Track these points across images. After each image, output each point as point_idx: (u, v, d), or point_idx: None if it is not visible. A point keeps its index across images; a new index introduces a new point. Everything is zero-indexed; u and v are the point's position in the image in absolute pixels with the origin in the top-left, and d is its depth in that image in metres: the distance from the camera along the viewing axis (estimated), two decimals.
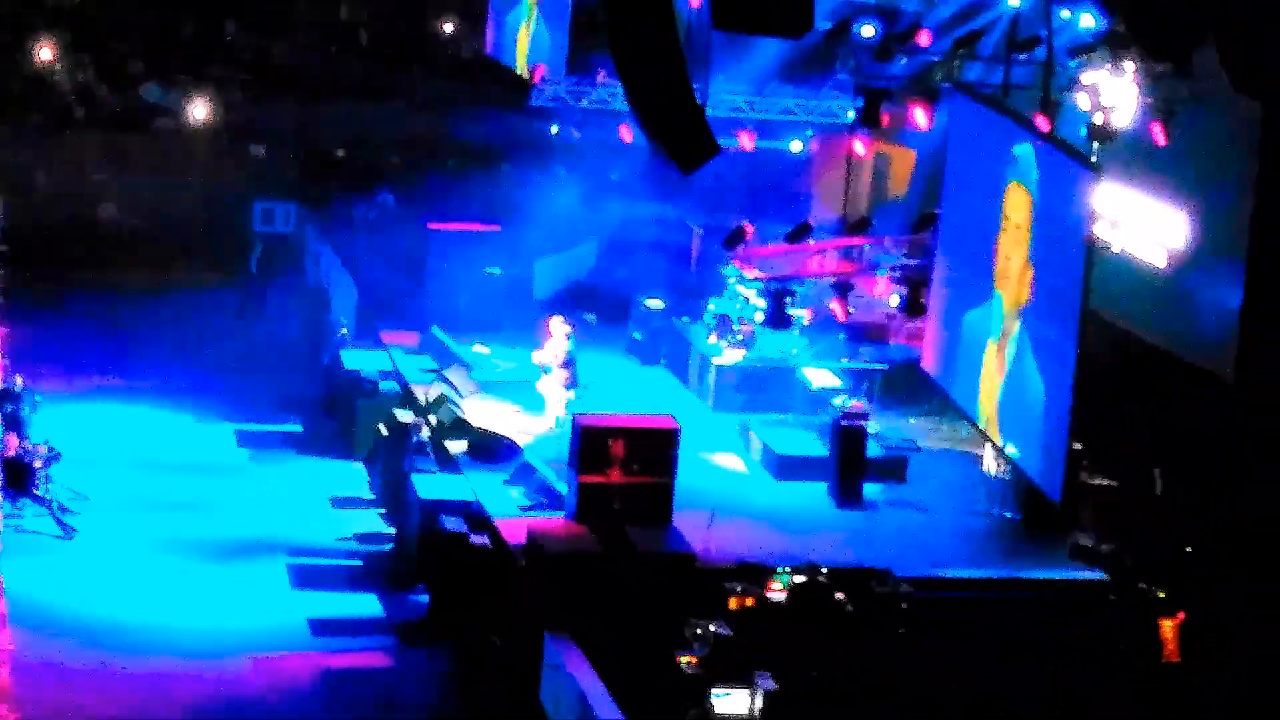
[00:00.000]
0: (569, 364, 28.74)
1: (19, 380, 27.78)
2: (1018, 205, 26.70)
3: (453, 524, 24.66)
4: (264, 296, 37.24)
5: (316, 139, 41.85)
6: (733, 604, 22.83)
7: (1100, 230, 25.85)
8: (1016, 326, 26.53)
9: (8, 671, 21.81)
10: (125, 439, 30.23)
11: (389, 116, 41.86)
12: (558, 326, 28.96)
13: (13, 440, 26.64)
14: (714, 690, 20.98)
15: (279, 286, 37.60)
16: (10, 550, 24.30)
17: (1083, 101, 27.31)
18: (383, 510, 28.14)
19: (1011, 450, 26.39)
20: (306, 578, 25.84)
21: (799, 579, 23.30)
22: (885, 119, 31.24)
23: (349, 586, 25.73)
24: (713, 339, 31.30)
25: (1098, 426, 26.57)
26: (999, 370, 26.86)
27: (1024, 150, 26.52)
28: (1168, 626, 23.67)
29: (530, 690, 22.61)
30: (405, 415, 28.41)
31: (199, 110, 41.73)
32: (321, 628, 24.45)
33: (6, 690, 21.55)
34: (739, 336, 31.01)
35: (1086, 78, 27.38)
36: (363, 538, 27.29)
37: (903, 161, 35.75)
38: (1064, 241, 25.13)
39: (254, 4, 44.44)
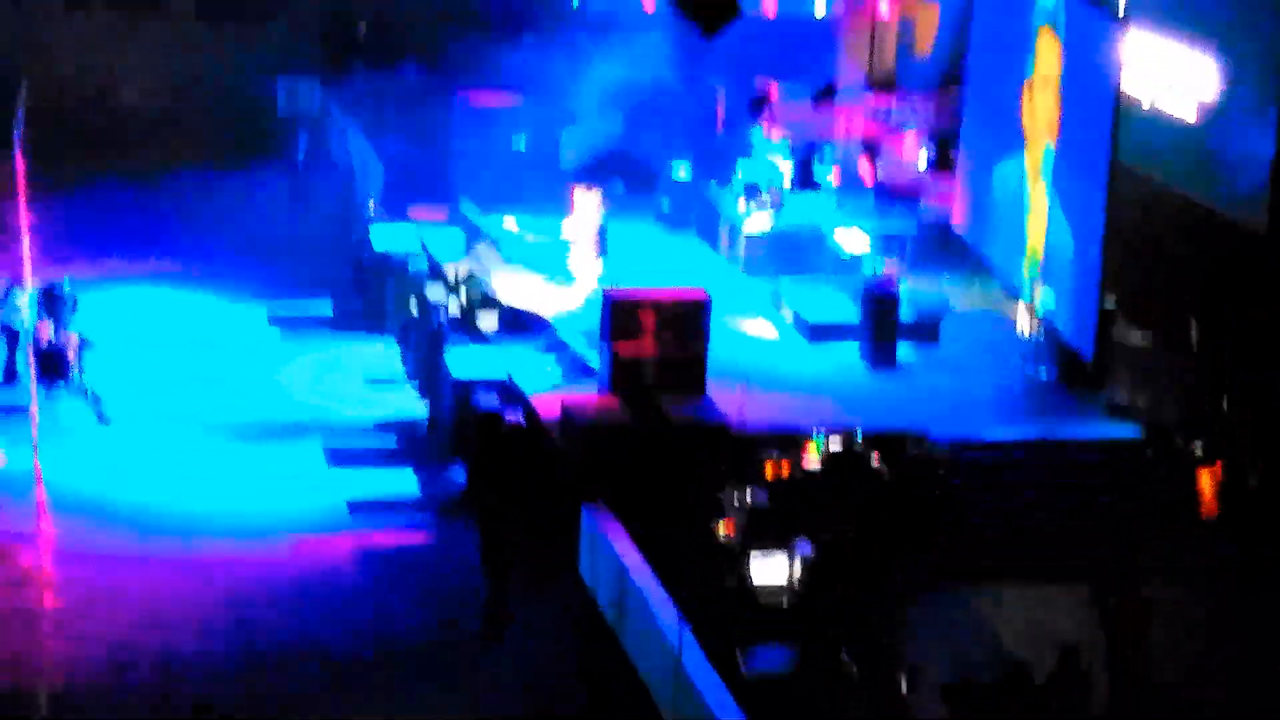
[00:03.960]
0: (600, 234, 28.59)
1: (66, 281, 27.72)
2: (1048, 52, 26.41)
3: (486, 399, 24.66)
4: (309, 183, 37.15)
5: (338, 14, 41.50)
6: (768, 471, 22.82)
7: (1129, 83, 25.57)
8: (1046, 178, 26.35)
9: (49, 557, 21.94)
10: (157, 323, 30.26)
11: None
12: (585, 197, 28.78)
13: (45, 329, 26.67)
14: (752, 557, 21.02)
15: (308, 166, 37.54)
16: (47, 438, 24.38)
17: None
18: (416, 387, 28.15)
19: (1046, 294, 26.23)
20: (343, 457, 25.92)
21: (834, 444, 23.26)
22: None
23: (385, 464, 25.80)
24: (741, 204, 31.15)
25: (1132, 281, 26.44)
26: (1043, 210, 26.64)
27: None
28: (1205, 479, 23.62)
29: (569, 562, 22.69)
30: (435, 291, 28.36)
31: None
32: (359, 506, 24.57)
33: (48, 576, 21.70)
34: (767, 201, 30.85)
35: None
36: (397, 416, 27.32)
37: (927, 19, 35.33)
38: (1092, 94, 24.88)
39: None
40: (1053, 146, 26.28)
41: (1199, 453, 23.86)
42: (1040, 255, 26.65)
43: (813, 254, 30.25)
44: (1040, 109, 26.78)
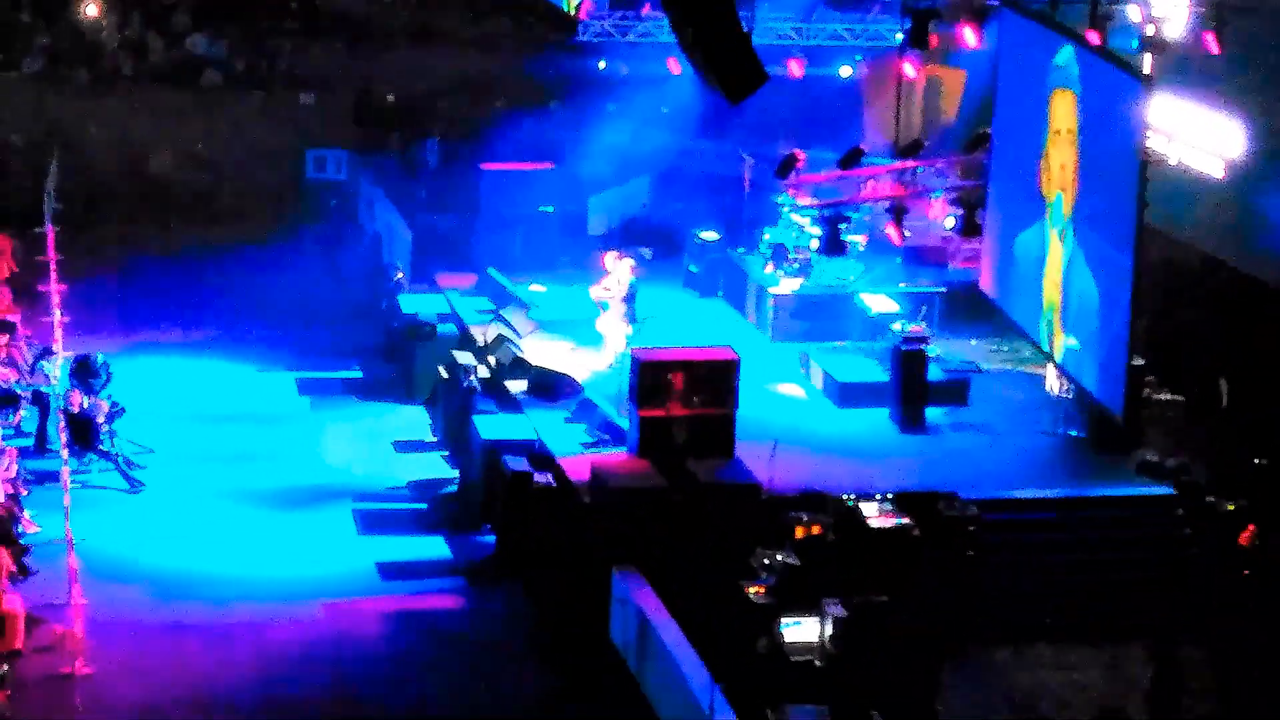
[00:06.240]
0: (629, 299, 28.67)
1: (100, 356, 27.82)
2: (1064, 111, 26.50)
3: (516, 464, 24.69)
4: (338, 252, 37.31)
5: (365, 85, 41.76)
6: (799, 533, 22.80)
7: (1155, 143, 25.62)
8: (1068, 233, 26.38)
9: (81, 625, 21.96)
10: (187, 391, 30.34)
11: (437, 59, 41.73)
12: (613, 262, 28.88)
13: (77, 397, 26.77)
14: (783, 619, 20.99)
15: (337, 234, 37.70)
16: (79, 505, 24.39)
17: (1133, 13, 27.03)
18: (446, 452, 28.20)
19: (1072, 342, 26.19)
20: (373, 522, 25.94)
21: (864, 505, 23.23)
22: (934, 40, 30.84)
23: (415, 530, 25.81)
24: (769, 268, 31.21)
25: (1160, 340, 26.43)
26: (1061, 258, 26.66)
27: (1066, 55, 26.30)
28: (1237, 538, 23.54)
29: (599, 626, 22.67)
30: (464, 357, 28.45)
31: (246, 60, 41.70)
32: (390, 571, 24.56)
33: (81, 643, 21.72)
34: (795, 265, 30.92)
35: None
36: (427, 481, 27.36)
37: (953, 83, 35.50)
38: (1116, 154, 24.91)
39: None
40: (1067, 197, 26.31)
41: (1230, 511, 23.79)
42: (1058, 304, 26.66)
43: (841, 317, 30.30)
44: (1056, 163, 26.84)
